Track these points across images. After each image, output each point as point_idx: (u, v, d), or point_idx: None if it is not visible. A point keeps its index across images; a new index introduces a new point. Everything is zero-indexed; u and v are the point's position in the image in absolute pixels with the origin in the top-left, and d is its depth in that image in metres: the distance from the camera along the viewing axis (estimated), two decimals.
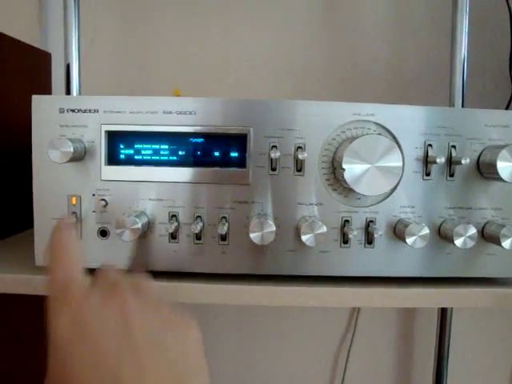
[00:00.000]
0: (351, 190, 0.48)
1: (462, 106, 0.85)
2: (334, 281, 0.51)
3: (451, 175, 0.50)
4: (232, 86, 0.96)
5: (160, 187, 0.50)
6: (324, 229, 0.47)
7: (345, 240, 0.50)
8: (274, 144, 0.49)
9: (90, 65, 0.91)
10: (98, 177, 0.50)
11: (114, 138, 0.50)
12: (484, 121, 0.50)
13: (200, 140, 0.49)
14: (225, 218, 0.50)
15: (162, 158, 0.50)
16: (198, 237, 0.50)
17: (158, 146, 0.50)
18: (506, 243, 0.48)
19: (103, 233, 0.50)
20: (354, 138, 0.47)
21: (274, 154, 0.47)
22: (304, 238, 0.47)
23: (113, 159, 0.50)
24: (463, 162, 0.48)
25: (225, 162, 0.49)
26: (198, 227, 0.48)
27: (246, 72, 0.95)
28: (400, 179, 0.49)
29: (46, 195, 0.50)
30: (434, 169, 0.50)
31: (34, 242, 0.51)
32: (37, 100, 0.50)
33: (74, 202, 0.50)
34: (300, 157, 0.47)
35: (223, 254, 0.50)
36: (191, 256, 0.50)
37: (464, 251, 0.51)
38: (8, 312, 0.71)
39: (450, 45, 0.85)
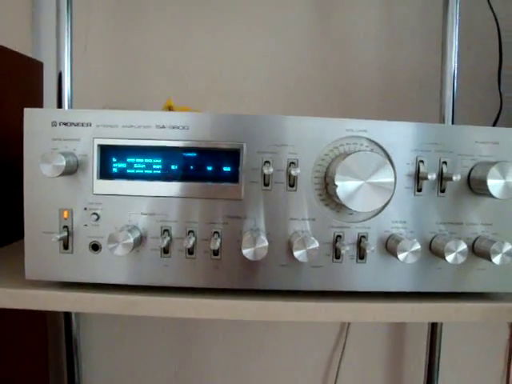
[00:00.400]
0: (343, 206, 0.48)
1: (452, 119, 0.86)
2: (326, 296, 0.51)
3: (442, 191, 0.51)
4: (224, 95, 0.96)
5: (152, 201, 0.49)
6: (316, 244, 0.47)
7: (337, 255, 0.50)
8: (266, 159, 0.49)
9: (82, 72, 0.90)
10: (90, 190, 0.50)
11: (107, 152, 0.49)
12: (475, 137, 0.51)
13: (193, 155, 0.49)
14: (217, 232, 0.49)
15: (154, 172, 0.50)
16: (190, 251, 0.50)
17: (150, 161, 0.49)
18: (496, 259, 0.49)
19: (95, 247, 0.50)
20: (346, 154, 0.47)
21: (267, 170, 0.47)
22: (296, 253, 0.47)
23: (105, 173, 0.50)
24: (454, 178, 0.48)
25: (217, 176, 0.49)
26: (190, 242, 0.48)
27: (239, 82, 0.95)
28: (392, 195, 0.49)
29: (37, 208, 0.50)
30: (425, 184, 0.50)
31: (23, 255, 0.50)
32: (29, 113, 0.49)
33: (65, 215, 0.50)
34: (293, 173, 0.47)
35: (215, 269, 0.50)
36: (183, 271, 0.50)
37: (455, 266, 0.51)
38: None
39: (440, 59, 0.86)
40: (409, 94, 0.96)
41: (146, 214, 0.50)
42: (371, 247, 0.49)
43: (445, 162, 0.50)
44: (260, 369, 1.01)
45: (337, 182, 0.46)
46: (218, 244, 0.48)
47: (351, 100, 0.96)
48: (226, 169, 0.49)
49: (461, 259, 0.48)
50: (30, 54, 0.83)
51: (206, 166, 0.49)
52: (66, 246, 0.50)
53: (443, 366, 0.94)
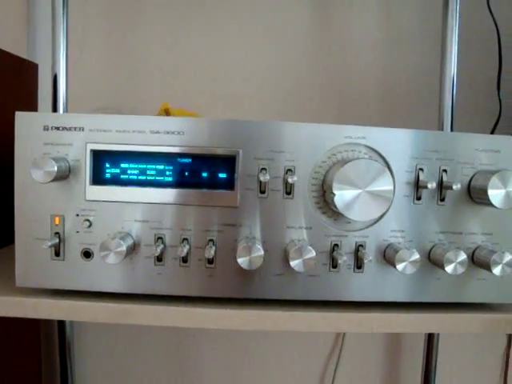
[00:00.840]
0: (341, 214, 0.47)
1: (451, 125, 0.85)
2: (322, 305, 0.50)
3: (442, 199, 0.50)
4: (222, 98, 0.95)
5: (146, 208, 0.48)
6: (313, 253, 0.46)
7: (334, 264, 0.49)
8: (263, 166, 0.48)
9: (78, 75, 0.89)
10: (83, 196, 0.48)
11: (100, 157, 0.48)
12: (475, 145, 0.50)
13: (188, 161, 0.48)
14: (212, 240, 0.48)
15: (148, 178, 0.48)
16: (184, 260, 0.49)
17: (144, 166, 0.48)
18: (496, 270, 0.48)
19: (87, 254, 0.49)
20: (344, 162, 0.46)
21: (264, 177, 0.46)
22: (293, 263, 0.46)
23: (98, 179, 0.49)
24: (454, 187, 0.47)
25: (213, 183, 0.48)
26: (184, 250, 0.47)
27: (237, 84, 0.94)
28: (390, 203, 0.48)
29: (28, 214, 0.49)
30: (424, 193, 0.50)
31: (14, 261, 0.49)
32: (21, 116, 0.48)
33: (57, 221, 0.49)
34: (290, 180, 0.46)
35: (210, 278, 0.49)
36: (177, 279, 0.49)
37: (454, 276, 0.50)
38: None
39: (439, 64, 0.85)
40: (407, 98, 0.95)
41: (139, 221, 0.49)
42: (369, 257, 0.48)
43: (445, 170, 0.50)
44: (254, 377, 1.00)
45: (335, 191, 0.45)
46: (212, 252, 0.47)
47: (349, 104, 0.96)
48: (222, 175, 0.48)
49: (460, 270, 0.47)
50: (25, 56, 0.82)
51: (202, 172, 0.48)
52: (57, 253, 0.49)
53: (439, 374, 0.93)
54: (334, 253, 0.49)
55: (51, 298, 0.49)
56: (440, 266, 0.48)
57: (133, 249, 0.48)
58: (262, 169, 0.48)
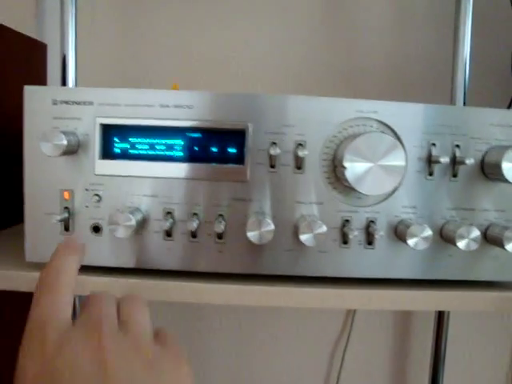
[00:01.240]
0: (352, 189, 0.47)
1: (464, 104, 0.84)
2: (332, 282, 0.50)
3: (454, 175, 0.49)
4: (230, 80, 0.94)
5: (155, 183, 0.48)
6: (324, 228, 0.45)
7: (344, 240, 0.49)
8: (273, 140, 0.47)
9: (87, 56, 0.89)
10: (92, 171, 0.48)
11: (109, 132, 0.48)
12: (489, 120, 0.49)
13: (197, 135, 0.48)
14: (222, 215, 0.48)
15: (157, 152, 0.48)
16: (193, 235, 0.48)
17: (153, 141, 0.48)
18: (509, 246, 0.47)
19: (96, 229, 0.49)
20: (355, 136, 0.45)
21: (274, 151, 0.45)
22: (303, 237, 0.45)
23: (107, 153, 0.48)
24: (467, 162, 0.46)
25: (222, 158, 0.48)
26: (194, 225, 0.46)
27: (245, 66, 0.94)
28: (402, 178, 0.47)
29: (37, 189, 0.49)
30: (436, 168, 0.49)
31: (23, 238, 0.49)
32: (29, 91, 0.48)
33: (66, 196, 0.49)
34: (300, 154, 0.45)
35: (220, 253, 0.49)
36: (186, 254, 0.49)
37: (466, 253, 0.49)
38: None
39: (452, 43, 0.84)
40: (418, 79, 0.94)
41: (148, 196, 0.48)
42: (380, 232, 0.47)
43: (457, 146, 0.49)
44: (262, 357, 1.00)
45: (345, 164, 0.44)
46: (222, 227, 0.46)
47: (359, 85, 0.94)
48: (232, 150, 0.48)
49: (473, 246, 0.47)
50: (34, 36, 0.81)
51: (211, 146, 0.48)
52: (66, 228, 0.49)
53: (449, 355, 0.93)
54: (345, 228, 0.48)
55: None
56: (452, 242, 0.48)
57: (142, 223, 0.48)
58: (273, 143, 0.47)
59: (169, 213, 0.48)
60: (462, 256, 0.50)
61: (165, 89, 0.78)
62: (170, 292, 0.49)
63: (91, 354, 0.31)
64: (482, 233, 0.49)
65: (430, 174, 0.49)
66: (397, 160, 0.45)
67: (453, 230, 0.47)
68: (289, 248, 0.49)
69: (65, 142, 0.45)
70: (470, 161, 0.46)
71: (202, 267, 0.49)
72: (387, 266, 0.50)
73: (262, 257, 0.49)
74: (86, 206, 0.49)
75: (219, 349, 1.00)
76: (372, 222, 0.49)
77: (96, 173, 0.48)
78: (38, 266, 0.50)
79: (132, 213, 0.46)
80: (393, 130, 0.48)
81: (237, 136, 0.47)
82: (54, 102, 0.48)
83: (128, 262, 0.49)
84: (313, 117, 0.48)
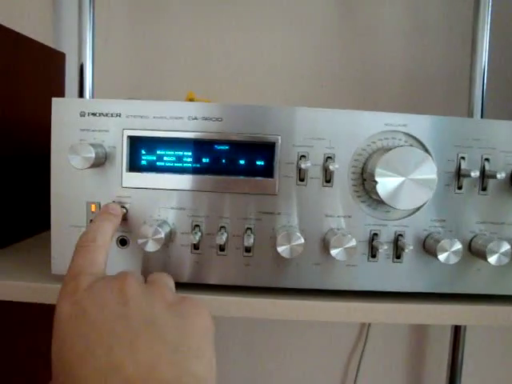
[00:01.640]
0: (380, 202, 0.47)
1: (482, 115, 0.84)
2: (360, 296, 0.50)
3: (483, 189, 0.49)
4: (246, 89, 0.94)
5: (183, 196, 0.48)
6: (354, 242, 0.45)
7: (373, 254, 0.49)
8: (302, 153, 0.47)
9: (103, 65, 0.89)
10: (119, 183, 0.48)
11: (136, 144, 0.48)
12: None
13: (226, 147, 0.48)
14: (250, 229, 0.48)
15: (185, 165, 0.48)
16: (221, 248, 0.48)
17: (181, 153, 0.48)
18: None
19: (123, 242, 0.49)
20: (386, 150, 0.45)
21: (304, 164, 0.45)
22: (333, 251, 0.45)
23: (134, 165, 0.48)
24: (498, 176, 0.46)
25: (251, 170, 0.48)
26: (222, 238, 0.46)
27: (261, 75, 0.94)
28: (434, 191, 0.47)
29: (63, 201, 0.48)
30: (465, 182, 0.48)
31: (48, 249, 0.49)
32: (57, 103, 0.48)
33: (93, 209, 0.48)
34: (331, 168, 0.45)
35: (247, 266, 0.48)
36: (214, 267, 0.49)
37: (494, 267, 0.49)
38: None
39: (469, 52, 0.83)
40: (434, 88, 0.94)
41: (176, 209, 0.48)
42: (410, 246, 0.47)
43: (487, 159, 0.48)
44: (277, 368, 1.00)
45: (377, 178, 0.44)
46: (251, 241, 0.46)
47: (374, 93, 0.94)
48: (260, 162, 0.48)
49: (504, 260, 0.46)
50: (51, 45, 0.82)
51: (240, 159, 0.48)
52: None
53: (466, 368, 0.92)
54: (374, 242, 0.48)
55: None
56: (482, 256, 0.47)
57: (170, 236, 0.48)
58: (302, 156, 0.47)
59: (197, 226, 0.48)
60: (490, 270, 0.50)
61: (180, 95, 0.78)
62: None
63: (116, 296, 0.35)
64: (511, 246, 0.49)
65: (459, 187, 0.48)
66: (428, 173, 0.45)
67: (483, 244, 0.47)
68: (317, 262, 0.48)
69: (93, 155, 0.45)
70: (501, 175, 0.46)
71: (229, 280, 0.49)
72: (414, 279, 0.50)
73: (290, 270, 0.48)
74: None
75: (231, 359, 0.99)
76: (401, 235, 0.48)
77: (123, 185, 0.48)
78: None
79: (160, 226, 0.46)
80: (422, 144, 0.48)
81: (266, 149, 0.47)
82: (82, 114, 0.47)
83: None
84: (341, 130, 0.47)
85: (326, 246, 0.47)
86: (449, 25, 0.93)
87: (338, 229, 0.48)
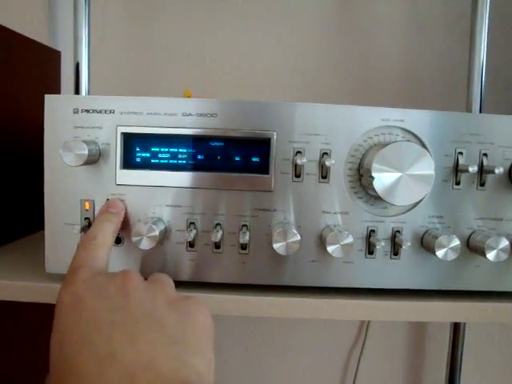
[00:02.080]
0: (377, 198, 0.46)
1: (480, 111, 0.83)
2: (357, 293, 0.49)
3: (482, 184, 0.48)
4: (243, 87, 0.93)
5: (178, 193, 0.47)
6: (351, 239, 0.45)
7: (370, 250, 0.48)
8: (298, 149, 0.46)
9: (99, 63, 0.88)
10: (113, 181, 0.47)
11: (130, 141, 0.47)
12: None
13: (221, 144, 0.47)
14: (246, 226, 0.47)
15: (180, 162, 0.47)
16: (216, 245, 0.48)
17: (176, 150, 0.47)
18: None
19: (117, 239, 0.48)
20: (382, 145, 0.45)
21: (300, 160, 0.45)
22: (330, 248, 0.44)
23: (128, 163, 0.48)
24: (497, 171, 0.45)
25: (246, 167, 0.47)
26: (218, 235, 0.45)
27: (257, 73, 0.93)
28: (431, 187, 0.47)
29: (57, 199, 0.48)
30: (463, 178, 0.48)
31: (42, 248, 0.48)
32: (50, 100, 0.47)
33: (87, 206, 0.48)
34: (327, 163, 0.45)
35: (243, 264, 0.48)
36: (209, 265, 0.48)
37: (493, 264, 0.48)
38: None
39: (468, 49, 0.83)
40: (432, 85, 0.93)
41: (170, 206, 0.48)
42: (407, 243, 0.46)
43: (485, 154, 0.48)
44: (276, 366, 0.99)
45: (374, 174, 0.43)
46: (247, 238, 0.46)
47: (372, 90, 0.94)
48: (256, 159, 0.47)
49: (503, 257, 0.46)
50: (47, 43, 0.81)
51: (235, 155, 0.47)
52: None
53: (465, 366, 0.92)
54: (371, 238, 0.47)
55: None
56: (480, 252, 0.47)
57: (164, 234, 0.47)
58: (298, 152, 0.46)
59: (192, 223, 0.47)
60: (489, 266, 0.49)
61: (176, 94, 0.78)
62: None
63: (118, 288, 0.35)
64: (509, 242, 0.48)
65: (457, 183, 0.48)
66: (425, 169, 0.44)
67: (481, 240, 0.47)
68: (313, 259, 0.48)
69: (86, 152, 0.44)
70: (499, 170, 0.45)
71: (225, 278, 0.48)
72: (412, 276, 0.49)
73: (286, 268, 0.48)
74: None
75: (231, 358, 0.99)
76: (398, 231, 0.48)
77: (117, 183, 0.47)
78: (59, 278, 0.49)
79: (155, 223, 0.45)
80: (419, 139, 0.47)
81: (261, 145, 0.47)
82: (75, 111, 0.47)
83: (150, 273, 0.48)
84: (338, 125, 0.47)
85: (322, 243, 0.46)
86: (447, 21, 0.92)
87: (335, 225, 0.47)
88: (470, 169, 0.46)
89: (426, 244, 0.48)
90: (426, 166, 0.44)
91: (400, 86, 0.94)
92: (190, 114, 0.47)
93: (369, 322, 0.95)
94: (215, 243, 0.47)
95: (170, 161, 0.47)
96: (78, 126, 0.47)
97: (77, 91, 0.83)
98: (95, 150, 0.46)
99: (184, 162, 0.47)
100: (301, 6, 0.92)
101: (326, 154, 0.47)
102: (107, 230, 0.43)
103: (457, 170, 0.48)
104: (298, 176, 0.47)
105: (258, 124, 0.46)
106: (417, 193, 0.44)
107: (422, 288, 0.50)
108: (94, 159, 0.46)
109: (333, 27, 0.93)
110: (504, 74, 0.91)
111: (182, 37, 0.92)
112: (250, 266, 0.48)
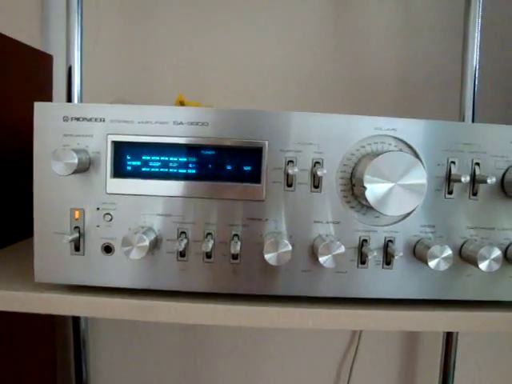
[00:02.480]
0: (369, 208, 0.46)
1: (473, 118, 0.83)
2: (350, 303, 0.49)
3: (474, 194, 0.48)
4: (237, 91, 0.93)
5: (168, 202, 0.47)
6: (342, 249, 0.44)
7: (362, 260, 0.48)
8: (290, 159, 0.46)
9: (92, 67, 0.88)
10: (103, 190, 0.47)
11: (121, 149, 0.47)
12: (509, 137, 0.48)
13: (212, 153, 0.47)
14: (237, 235, 0.47)
15: (171, 170, 0.47)
16: (208, 255, 0.47)
17: (166, 159, 0.47)
18: None
19: (107, 249, 0.48)
20: (375, 154, 0.44)
21: (292, 170, 0.44)
22: (322, 259, 0.44)
23: (119, 171, 0.47)
24: (489, 181, 0.45)
25: (238, 176, 0.47)
26: (209, 245, 0.45)
27: (251, 77, 0.93)
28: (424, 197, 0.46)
29: (47, 208, 0.47)
30: (456, 187, 0.48)
31: (32, 255, 0.48)
32: (39, 107, 0.47)
33: (76, 215, 0.47)
34: (319, 173, 0.44)
35: (234, 274, 0.48)
36: (200, 275, 0.48)
37: (485, 273, 0.48)
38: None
39: (460, 56, 0.83)
40: (426, 90, 0.93)
41: (161, 215, 0.47)
42: (399, 252, 0.46)
43: (477, 164, 0.48)
44: (269, 374, 0.99)
45: (366, 184, 0.43)
46: (238, 248, 0.45)
47: (366, 95, 0.93)
48: (247, 168, 0.47)
49: (495, 266, 0.45)
50: (39, 47, 0.80)
51: (226, 164, 0.47)
52: (77, 248, 0.48)
53: (458, 374, 0.92)
54: (364, 248, 0.47)
55: (70, 293, 0.48)
56: (473, 262, 0.46)
57: (155, 244, 0.47)
58: (290, 161, 0.46)
59: (183, 232, 0.47)
60: (481, 276, 0.49)
61: (170, 98, 0.78)
62: (182, 314, 0.48)
63: None
64: (502, 252, 0.48)
65: (450, 192, 0.48)
66: (418, 179, 0.44)
67: (473, 250, 0.46)
68: (305, 268, 0.48)
69: (76, 161, 0.44)
70: (491, 180, 0.45)
71: (216, 288, 0.48)
72: (405, 286, 0.49)
73: (278, 278, 0.48)
74: (98, 226, 0.47)
75: (224, 365, 0.98)
76: (390, 241, 0.48)
77: (108, 191, 0.47)
78: (48, 287, 0.49)
79: (145, 233, 0.45)
80: (411, 148, 0.47)
81: (253, 154, 0.46)
82: (65, 119, 0.46)
83: (140, 283, 0.48)
84: (330, 134, 0.46)
85: (314, 253, 0.46)
86: (441, 25, 0.92)
87: (327, 235, 0.47)
88: (463, 178, 0.45)
89: (418, 254, 0.47)
90: (418, 176, 0.44)
91: (394, 88, 0.93)
92: (181, 123, 0.46)
93: (361, 332, 0.95)
94: (206, 253, 0.47)
95: (161, 169, 0.47)
96: (68, 134, 0.46)
97: (69, 96, 0.82)
98: (85, 159, 0.46)
99: (175, 170, 0.47)
100: (296, 11, 0.92)
101: (318, 163, 0.46)
102: None
103: (449, 179, 0.47)
104: (289, 185, 0.46)
105: (250, 133, 0.46)
106: (409, 203, 0.44)
107: (415, 298, 0.49)
108: (84, 168, 0.46)
109: (329, 32, 0.92)
110: (499, 82, 0.91)
111: (177, 41, 0.92)
112: (241, 276, 0.48)
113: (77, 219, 0.47)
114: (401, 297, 0.49)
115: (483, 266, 0.45)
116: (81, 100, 0.83)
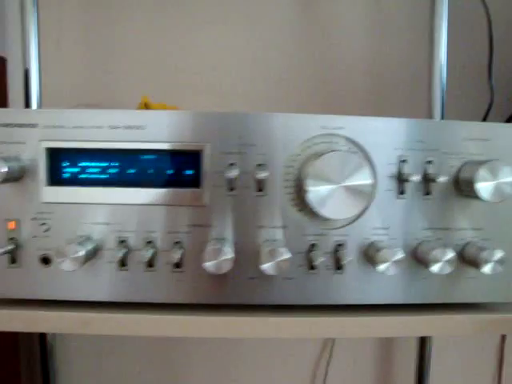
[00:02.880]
0: None
1: (442, 115, 0.82)
2: (302, 310, 0.47)
3: (427, 193, 0.46)
4: (204, 92, 0.91)
5: (107, 210, 0.45)
6: (288, 255, 0.42)
7: (311, 266, 0.46)
8: (231, 161, 0.44)
9: (54, 69, 0.85)
10: (39, 199, 0.45)
11: (56, 156, 0.45)
12: (463, 134, 0.46)
13: (151, 157, 0.45)
14: (179, 243, 0.45)
15: (109, 177, 0.45)
16: (149, 264, 0.45)
17: (104, 165, 0.45)
18: (486, 268, 0.44)
19: (45, 260, 0.45)
20: (319, 155, 0.42)
21: (231, 173, 0.42)
22: (264, 266, 0.42)
23: (55, 179, 0.45)
24: (438, 180, 0.43)
25: (178, 181, 0.45)
26: (148, 254, 0.43)
27: (219, 78, 0.91)
28: (372, 199, 0.44)
29: None
30: (408, 187, 0.46)
31: None
32: None
33: (12, 226, 0.45)
34: (259, 176, 0.42)
35: (178, 283, 0.45)
36: (143, 285, 0.45)
37: (442, 276, 0.46)
38: None
39: (428, 54, 0.81)
40: (397, 87, 0.91)
41: (100, 224, 0.45)
42: (348, 257, 0.44)
43: (430, 162, 0.46)
44: (243, 380, 0.96)
45: (308, 187, 0.41)
46: (178, 255, 0.43)
47: (337, 94, 0.91)
48: (188, 172, 0.45)
49: (448, 269, 0.44)
50: None
51: (166, 169, 0.45)
52: (13, 260, 0.45)
53: (433, 376, 0.90)
54: (311, 253, 0.45)
55: (8, 308, 0.46)
56: (426, 265, 0.45)
57: (94, 254, 0.44)
58: (230, 164, 0.44)
59: (122, 241, 0.45)
60: (437, 278, 0.47)
61: (136, 101, 0.75)
62: (126, 325, 0.46)
63: None
64: (458, 253, 0.46)
65: (402, 192, 0.46)
66: (363, 179, 0.42)
67: (427, 251, 0.45)
68: (252, 276, 0.45)
69: (6, 169, 0.42)
70: (442, 179, 0.43)
71: (159, 298, 0.46)
72: (359, 291, 0.47)
73: (224, 286, 0.46)
74: (34, 237, 0.45)
75: (197, 373, 0.96)
76: (340, 245, 0.46)
77: (43, 200, 0.45)
78: None
79: (81, 243, 0.43)
80: (361, 147, 0.45)
81: (193, 157, 0.44)
82: None
83: (80, 295, 0.46)
84: (274, 135, 0.44)
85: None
86: (410, 23, 0.90)
87: (275, 240, 0.45)
88: (414, 178, 0.44)
89: (369, 258, 0.45)
90: (364, 176, 0.42)
91: (364, 86, 0.92)
92: (117, 127, 0.44)
93: (334, 340, 0.93)
94: (148, 262, 0.45)
95: (99, 176, 0.45)
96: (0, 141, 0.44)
97: (27, 100, 0.79)
98: (18, 167, 0.43)
99: (113, 177, 0.45)
100: (260, 7, 0.90)
101: (260, 165, 0.44)
102: None
103: (400, 178, 0.46)
104: (232, 189, 0.44)
105: (190, 136, 0.44)
106: (355, 205, 0.42)
107: (370, 303, 0.47)
108: (17, 176, 0.44)
109: (296, 29, 0.90)
110: (466, 76, 0.90)
111: (141, 40, 0.89)
112: (185, 285, 0.45)
113: (12, 230, 0.45)
114: (356, 302, 0.47)
115: (435, 268, 0.44)
116: (40, 105, 0.81)
